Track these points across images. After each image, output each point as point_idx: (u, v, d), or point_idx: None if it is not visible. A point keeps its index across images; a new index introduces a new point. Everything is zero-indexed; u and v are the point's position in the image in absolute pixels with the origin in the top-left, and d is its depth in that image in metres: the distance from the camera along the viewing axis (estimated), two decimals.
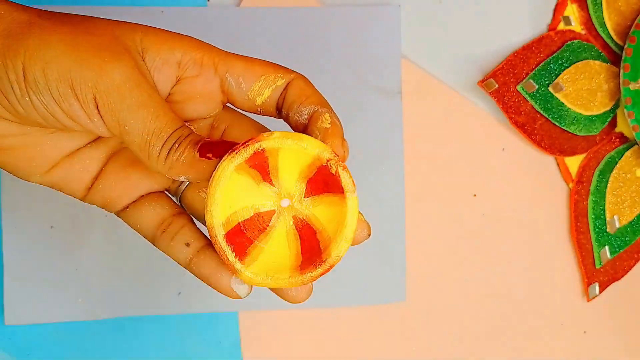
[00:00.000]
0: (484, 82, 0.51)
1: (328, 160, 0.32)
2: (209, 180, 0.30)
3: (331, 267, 0.33)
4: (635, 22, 0.51)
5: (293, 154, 0.32)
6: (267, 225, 0.33)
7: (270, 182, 0.32)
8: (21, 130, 0.32)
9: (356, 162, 0.51)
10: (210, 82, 0.33)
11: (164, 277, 0.49)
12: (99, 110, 0.30)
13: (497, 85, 0.51)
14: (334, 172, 0.32)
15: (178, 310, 0.49)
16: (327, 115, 0.33)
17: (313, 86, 0.34)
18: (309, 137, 0.32)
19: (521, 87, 0.51)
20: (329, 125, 0.33)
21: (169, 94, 0.33)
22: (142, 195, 0.35)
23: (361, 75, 0.50)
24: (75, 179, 0.34)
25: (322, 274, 0.33)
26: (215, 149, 0.31)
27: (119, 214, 0.35)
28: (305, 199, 0.33)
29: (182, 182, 0.35)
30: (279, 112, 0.34)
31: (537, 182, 0.53)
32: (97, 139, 0.34)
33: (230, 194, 0.31)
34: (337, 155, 0.32)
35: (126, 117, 0.30)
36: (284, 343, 0.51)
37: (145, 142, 0.30)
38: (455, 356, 0.53)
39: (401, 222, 0.51)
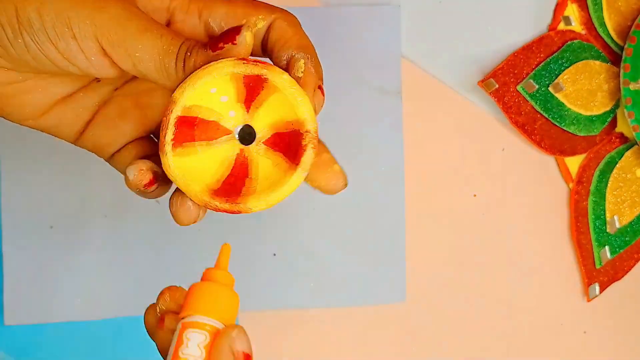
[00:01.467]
0: (484, 82, 0.51)
1: (306, 132, 0.31)
2: None
3: (238, 212, 0.31)
4: (636, 22, 0.51)
5: (285, 102, 0.31)
6: (215, 138, 0.32)
7: (247, 108, 0.32)
8: (13, 78, 0.32)
9: (356, 162, 0.51)
10: (195, 28, 0.33)
11: (164, 277, 0.49)
12: (104, 48, 0.30)
13: (497, 85, 0.51)
14: (303, 146, 0.32)
15: None
16: (301, 62, 0.32)
17: (296, 25, 0.33)
18: (307, 98, 0.31)
19: (521, 87, 0.51)
20: (301, 74, 0.32)
21: None
22: (128, 142, 0.35)
23: (361, 75, 0.50)
24: (67, 124, 0.34)
25: (226, 212, 0.32)
26: (224, 38, 0.30)
27: (108, 160, 0.36)
28: (261, 144, 0.33)
29: None
30: (263, 50, 0.34)
31: (537, 182, 0.53)
32: (88, 85, 0.34)
33: (208, 92, 0.31)
34: (316, 133, 0.32)
35: (133, 44, 0.30)
36: (284, 343, 0.51)
37: (159, 63, 0.30)
38: (455, 356, 0.53)
39: (401, 222, 0.51)
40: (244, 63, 0.30)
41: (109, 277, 0.49)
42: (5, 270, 0.48)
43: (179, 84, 0.31)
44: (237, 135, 0.33)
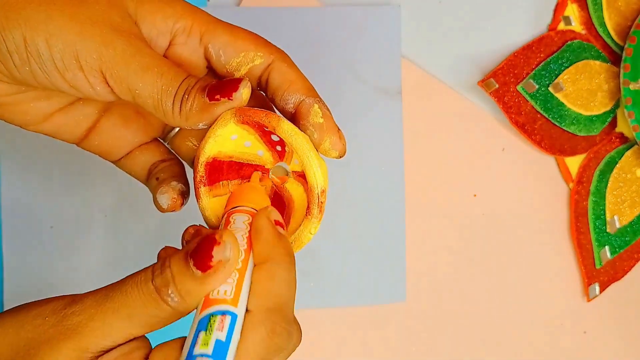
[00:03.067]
0: (484, 82, 0.51)
1: (321, 193, 0.33)
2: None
3: None
4: (636, 22, 0.51)
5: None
6: (248, 177, 0.35)
7: (277, 153, 0.34)
8: (15, 89, 0.33)
9: (356, 162, 0.51)
10: (195, 51, 0.34)
11: None
12: (107, 81, 0.31)
13: (497, 85, 0.51)
14: (316, 206, 0.33)
15: None
16: (316, 107, 0.33)
17: (296, 68, 0.34)
18: (318, 157, 0.32)
19: (521, 87, 0.51)
20: (322, 120, 0.33)
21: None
22: (134, 148, 0.36)
23: (361, 75, 0.50)
24: (68, 130, 0.35)
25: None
26: (222, 89, 0.32)
27: (115, 163, 0.37)
28: (292, 175, 0.35)
29: (171, 130, 0.37)
30: (260, 87, 0.35)
31: (537, 182, 0.53)
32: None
33: (229, 139, 0.33)
34: (323, 194, 0.33)
35: (134, 81, 0.31)
36: None
37: (157, 102, 0.31)
38: (455, 356, 0.53)
39: (401, 222, 0.51)
40: (242, 119, 0.32)
41: (109, 276, 0.49)
42: (5, 270, 0.48)
43: (202, 137, 0.33)
44: (271, 174, 0.35)
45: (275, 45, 0.34)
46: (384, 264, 0.51)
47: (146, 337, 0.31)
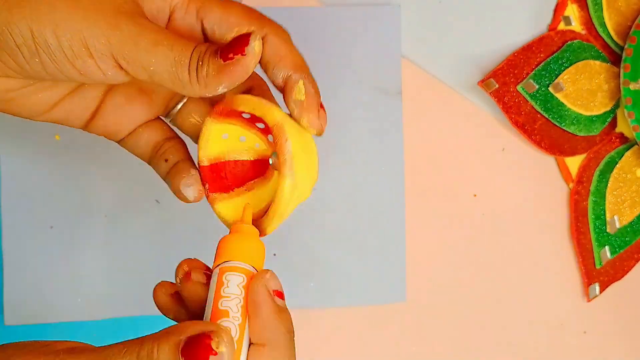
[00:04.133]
0: (484, 82, 0.51)
1: (272, 133, 0.33)
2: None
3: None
4: (636, 22, 0.51)
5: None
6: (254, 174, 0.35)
7: (264, 138, 0.34)
8: (24, 83, 0.33)
9: (356, 162, 0.51)
10: (193, 26, 0.34)
11: (164, 277, 0.49)
12: (119, 64, 0.31)
13: (497, 85, 0.51)
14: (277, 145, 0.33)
15: None
16: (300, 83, 0.33)
17: (289, 43, 0.34)
18: (265, 103, 0.33)
19: (521, 87, 0.51)
20: (303, 97, 0.33)
21: None
22: (138, 126, 0.37)
23: (361, 75, 0.50)
24: (76, 115, 0.35)
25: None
26: (234, 47, 0.31)
27: (119, 143, 0.37)
28: None
29: (174, 107, 0.37)
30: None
31: (537, 182, 0.53)
32: None
33: (220, 139, 0.33)
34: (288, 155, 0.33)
35: (146, 59, 0.31)
36: None
37: (173, 74, 0.31)
38: (455, 356, 0.53)
39: (401, 222, 0.51)
40: (218, 114, 0.33)
41: (109, 277, 0.49)
42: (5, 270, 0.48)
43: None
44: (271, 162, 0.35)
45: (269, 19, 0.34)
46: (384, 264, 0.51)
47: None
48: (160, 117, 0.38)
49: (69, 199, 0.48)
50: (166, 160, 0.36)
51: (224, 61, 0.31)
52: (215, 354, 0.27)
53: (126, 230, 0.49)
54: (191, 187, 0.35)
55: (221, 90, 0.32)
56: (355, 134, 0.51)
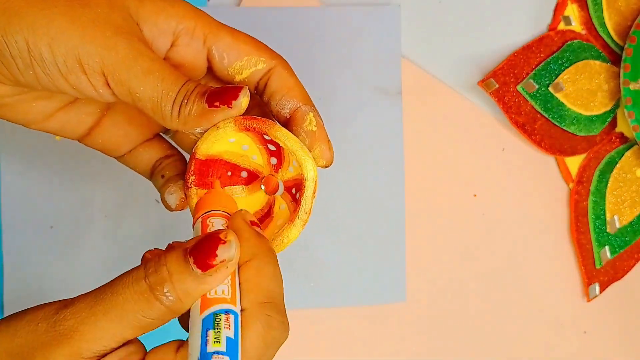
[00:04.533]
0: (484, 82, 0.51)
1: (304, 183, 0.34)
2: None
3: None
4: (636, 22, 0.51)
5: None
6: (241, 179, 0.36)
7: (267, 158, 0.35)
8: (19, 91, 0.33)
9: (356, 162, 0.51)
10: (198, 52, 0.34)
11: None
12: (108, 83, 0.31)
13: (497, 85, 0.51)
14: (298, 197, 0.34)
15: None
16: (311, 115, 0.34)
17: (295, 76, 0.35)
18: (307, 153, 0.33)
19: (521, 87, 0.51)
20: (315, 128, 0.34)
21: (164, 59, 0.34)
22: (137, 145, 0.37)
23: (361, 75, 0.50)
24: (71, 128, 0.36)
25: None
26: (222, 97, 0.32)
27: (117, 159, 0.37)
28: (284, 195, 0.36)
29: None
30: (257, 91, 0.35)
31: (537, 182, 0.53)
32: None
33: (227, 142, 0.34)
34: (315, 191, 0.34)
35: (135, 85, 0.31)
36: (284, 343, 0.51)
37: (156, 105, 0.32)
38: (455, 356, 0.53)
39: (401, 223, 0.51)
40: (243, 127, 0.33)
41: (109, 277, 0.49)
42: (5, 270, 0.48)
43: (199, 137, 0.33)
44: (262, 186, 0.36)
45: (276, 52, 0.35)
46: (384, 264, 0.51)
47: (140, 342, 0.30)
48: (161, 133, 0.38)
49: (69, 199, 0.48)
50: (162, 176, 0.36)
51: (209, 107, 0.32)
52: (225, 242, 0.29)
53: (126, 230, 0.49)
54: (173, 194, 0.35)
55: (198, 131, 0.33)
56: (355, 134, 0.51)
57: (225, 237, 0.29)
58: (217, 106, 0.32)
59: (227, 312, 0.28)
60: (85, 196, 0.48)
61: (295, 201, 0.35)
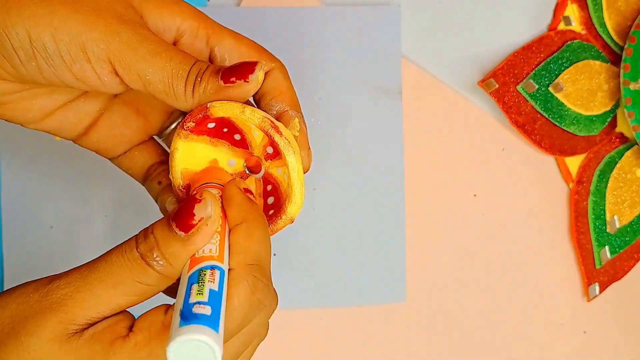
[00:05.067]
0: (484, 82, 0.51)
1: (267, 130, 0.33)
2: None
3: (290, 220, 0.35)
4: (636, 22, 0.51)
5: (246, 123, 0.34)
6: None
7: (241, 145, 0.35)
8: (18, 87, 0.33)
9: (356, 162, 0.51)
10: (201, 52, 0.35)
11: None
12: (115, 70, 0.31)
13: (497, 85, 0.51)
14: (272, 137, 0.34)
15: None
16: (296, 120, 0.34)
17: (289, 81, 0.35)
18: (249, 107, 0.33)
19: (521, 87, 0.51)
20: (297, 133, 0.34)
21: None
22: (132, 147, 0.37)
23: (361, 75, 0.50)
24: (68, 128, 0.36)
25: (284, 227, 0.35)
26: (237, 72, 0.32)
27: (111, 160, 0.38)
28: (269, 161, 0.35)
29: (167, 127, 0.37)
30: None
31: (537, 182, 0.53)
32: (89, 92, 0.35)
33: (193, 156, 0.34)
34: (273, 122, 0.33)
35: (143, 68, 0.31)
36: (284, 343, 0.51)
37: (168, 86, 0.32)
38: (455, 356, 0.53)
39: (401, 222, 0.51)
40: (187, 122, 0.33)
41: None
42: (6, 270, 0.48)
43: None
44: (249, 172, 0.36)
45: (275, 56, 0.35)
46: (384, 264, 0.51)
47: (129, 312, 0.31)
48: (154, 137, 0.38)
49: (69, 199, 0.48)
50: (159, 183, 0.36)
51: (224, 83, 0.32)
52: (200, 201, 0.29)
53: (126, 230, 0.49)
54: (175, 204, 0.35)
55: None
56: (355, 134, 0.51)
57: (200, 197, 0.29)
58: (233, 82, 0.32)
59: (212, 267, 0.29)
60: (85, 196, 0.48)
61: (267, 196, 0.35)
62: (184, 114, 0.36)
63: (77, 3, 0.31)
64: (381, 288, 0.51)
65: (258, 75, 0.32)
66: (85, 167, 0.48)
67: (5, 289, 0.47)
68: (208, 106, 0.32)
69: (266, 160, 0.35)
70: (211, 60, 0.35)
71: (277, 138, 0.33)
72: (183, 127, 0.33)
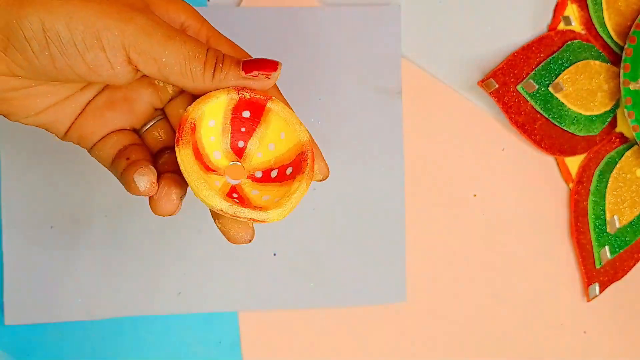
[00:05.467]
0: (484, 82, 0.51)
1: (306, 150, 0.34)
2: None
3: (264, 220, 0.34)
4: (636, 22, 0.51)
5: (276, 136, 0.35)
6: (208, 173, 0.35)
7: (237, 151, 0.35)
8: (25, 83, 0.33)
9: (356, 162, 0.51)
10: None
11: (164, 278, 0.49)
12: (130, 57, 0.32)
13: (497, 85, 0.51)
14: (302, 161, 0.34)
15: (178, 310, 0.49)
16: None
17: (276, 85, 0.36)
18: (298, 121, 0.35)
19: (521, 87, 0.51)
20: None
21: None
22: (111, 132, 0.36)
23: (361, 75, 0.50)
24: (61, 121, 0.36)
25: (253, 219, 0.33)
26: (261, 65, 0.34)
27: (89, 151, 0.36)
28: (250, 182, 0.35)
29: (148, 122, 0.37)
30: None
31: (537, 182, 0.53)
32: (87, 85, 0.36)
33: (207, 124, 0.34)
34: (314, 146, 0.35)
35: (159, 51, 0.32)
36: (284, 343, 0.51)
37: (185, 67, 0.33)
38: (455, 356, 0.53)
39: (401, 222, 0.51)
40: (245, 91, 0.34)
41: (109, 277, 0.49)
42: (5, 270, 0.48)
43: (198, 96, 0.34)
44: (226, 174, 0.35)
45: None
46: (384, 264, 0.51)
47: None
48: (134, 130, 0.37)
49: (69, 199, 0.48)
50: (127, 159, 0.35)
51: (246, 73, 0.33)
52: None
53: (126, 230, 0.49)
54: (145, 177, 0.33)
55: None
56: (355, 134, 0.51)
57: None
58: (255, 75, 0.33)
59: None
60: (85, 196, 0.48)
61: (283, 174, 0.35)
62: (195, 96, 0.35)
63: None
64: (381, 288, 0.51)
65: (278, 75, 0.34)
66: (85, 167, 0.48)
67: (7, 282, 0.47)
68: (272, 99, 0.34)
69: (247, 178, 0.35)
70: None
71: (309, 162, 0.34)
72: (238, 92, 0.34)
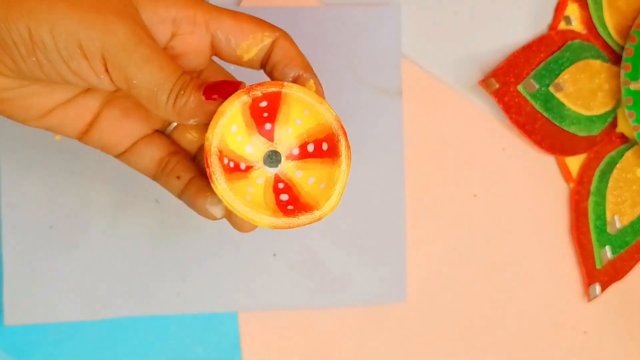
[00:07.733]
0: (484, 82, 0.51)
1: (335, 130, 0.35)
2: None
3: (320, 218, 0.35)
4: (636, 21, 0.51)
5: (299, 113, 0.34)
6: (248, 172, 0.34)
7: (266, 136, 0.35)
8: (19, 84, 0.33)
9: (356, 162, 0.51)
10: (202, 39, 0.35)
11: (164, 278, 0.49)
12: (106, 68, 0.31)
13: (497, 85, 0.51)
14: (336, 141, 0.35)
15: (177, 310, 0.49)
16: (311, 81, 0.35)
17: (296, 46, 0.36)
18: (326, 103, 0.34)
19: (522, 87, 0.51)
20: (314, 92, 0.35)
21: (164, 49, 0.35)
22: (137, 140, 0.37)
23: (361, 75, 0.50)
24: (70, 125, 0.36)
25: (308, 223, 0.35)
26: (219, 90, 0.32)
27: (117, 157, 0.37)
28: (290, 162, 0.35)
29: (170, 123, 0.37)
30: (262, 67, 0.36)
31: (537, 182, 0.53)
32: (89, 88, 0.35)
33: (229, 131, 0.33)
34: (342, 125, 0.35)
35: (133, 72, 0.31)
36: (284, 343, 0.51)
37: (152, 94, 0.32)
38: (455, 356, 0.53)
39: (401, 222, 0.51)
40: (250, 92, 0.33)
41: (109, 277, 0.49)
42: (5, 270, 0.48)
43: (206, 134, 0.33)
44: (264, 164, 0.35)
45: (277, 26, 0.36)
46: (384, 264, 0.51)
47: None
48: (158, 130, 0.37)
49: (69, 199, 0.48)
50: (178, 178, 0.36)
51: (206, 99, 0.32)
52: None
53: (126, 230, 0.49)
54: (218, 205, 0.35)
55: (191, 122, 0.33)
56: (355, 134, 0.50)
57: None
58: (214, 99, 0.32)
59: None
60: (85, 196, 0.49)
61: (320, 154, 0.35)
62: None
63: (77, 0, 0.31)
64: (381, 288, 0.51)
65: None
66: (85, 167, 0.48)
67: (7, 282, 0.47)
68: (285, 85, 0.33)
69: (286, 160, 0.35)
70: (215, 44, 0.35)
71: (342, 139, 0.34)
72: (249, 93, 0.33)
